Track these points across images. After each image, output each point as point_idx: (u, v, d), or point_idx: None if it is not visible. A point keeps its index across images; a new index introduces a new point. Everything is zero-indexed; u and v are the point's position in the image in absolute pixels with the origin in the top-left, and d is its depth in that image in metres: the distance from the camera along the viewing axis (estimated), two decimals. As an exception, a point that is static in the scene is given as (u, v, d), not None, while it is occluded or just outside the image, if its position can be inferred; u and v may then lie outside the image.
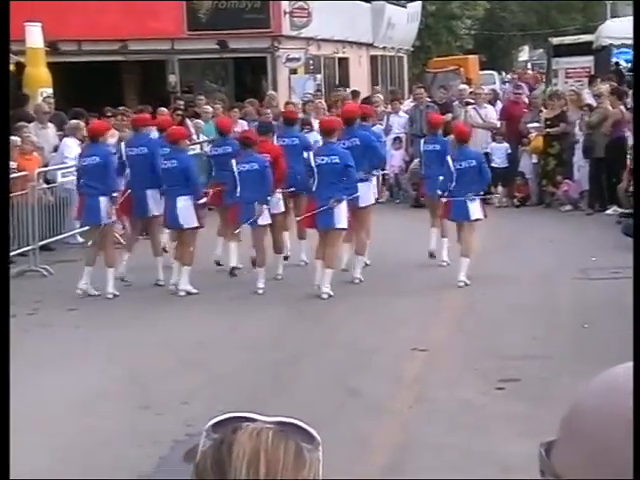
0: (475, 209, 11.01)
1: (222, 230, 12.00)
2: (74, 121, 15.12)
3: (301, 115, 18.10)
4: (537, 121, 16.85)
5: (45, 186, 13.60)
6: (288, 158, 11.50)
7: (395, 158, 17.54)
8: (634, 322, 6.61)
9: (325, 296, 10.38)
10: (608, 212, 15.14)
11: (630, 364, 1.16)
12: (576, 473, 1.11)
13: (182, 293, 10.77)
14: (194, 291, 10.80)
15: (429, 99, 18.88)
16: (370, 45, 29.48)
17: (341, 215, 10.49)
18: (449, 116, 18.31)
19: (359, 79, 27.13)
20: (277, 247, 11.63)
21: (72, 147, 14.51)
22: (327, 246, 10.56)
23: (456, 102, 18.21)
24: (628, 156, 14.82)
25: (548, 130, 16.33)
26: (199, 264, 11.12)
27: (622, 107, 15.75)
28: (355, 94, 21.14)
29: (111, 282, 10.91)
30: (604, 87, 17.48)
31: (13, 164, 13.13)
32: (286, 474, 1.25)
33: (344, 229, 10.64)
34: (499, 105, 18.93)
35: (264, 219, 10.86)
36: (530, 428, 5.97)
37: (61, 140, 15.05)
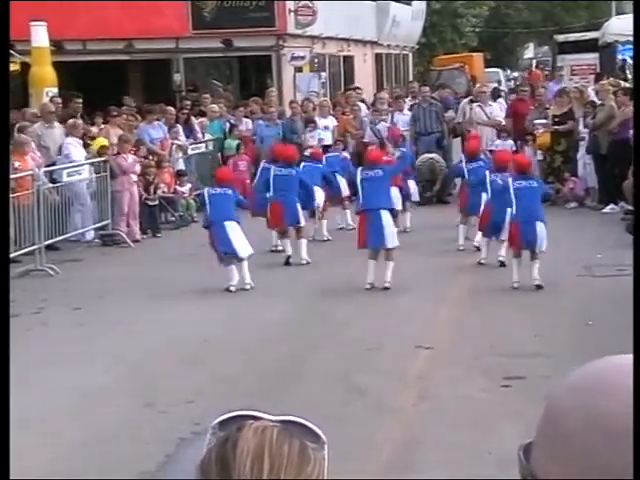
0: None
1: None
2: (72, 120, 15.15)
3: (303, 114, 18.20)
4: (545, 118, 16.83)
5: (50, 185, 13.62)
6: None
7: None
8: (634, 321, 6.61)
9: None
10: (605, 210, 15.20)
11: (606, 360, 1.14)
12: (555, 476, 1.10)
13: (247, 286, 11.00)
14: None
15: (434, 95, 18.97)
16: (375, 43, 29.49)
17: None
18: (451, 114, 18.41)
19: (364, 77, 27.13)
20: None
21: (74, 146, 14.55)
22: None
23: (455, 101, 18.50)
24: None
25: (556, 127, 16.31)
26: (207, 261, 11.14)
27: (631, 107, 15.71)
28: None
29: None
30: (605, 83, 17.46)
31: (17, 164, 13.16)
32: (290, 471, 1.26)
33: None
34: (500, 101, 19.05)
35: None
36: (534, 426, 5.97)
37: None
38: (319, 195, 13.44)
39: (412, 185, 14.75)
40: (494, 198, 11.41)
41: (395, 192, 12.65)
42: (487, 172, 12.12)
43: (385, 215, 10.89)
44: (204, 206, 11.40)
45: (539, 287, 10.43)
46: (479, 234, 12.15)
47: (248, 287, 10.88)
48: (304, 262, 12.12)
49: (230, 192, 11.19)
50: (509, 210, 10.82)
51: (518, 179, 10.93)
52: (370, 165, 11.38)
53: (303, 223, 12.45)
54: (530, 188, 10.76)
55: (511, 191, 10.70)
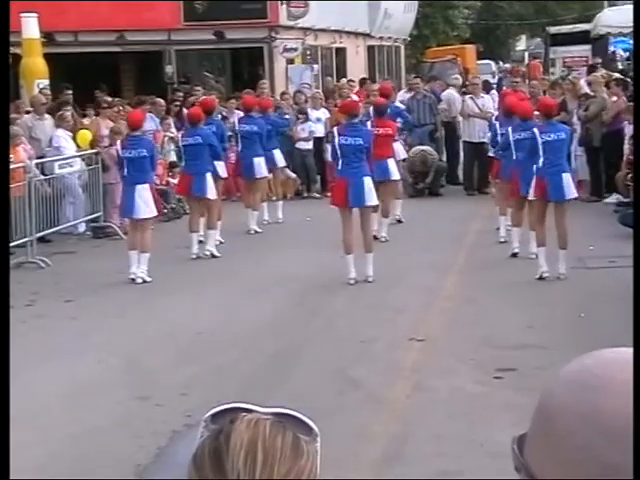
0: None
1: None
2: (60, 112, 15.09)
3: (295, 105, 18.18)
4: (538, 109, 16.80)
5: (42, 177, 13.58)
6: None
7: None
8: (634, 315, 6.61)
9: None
10: (605, 201, 15.19)
11: (599, 354, 1.11)
12: (550, 473, 1.08)
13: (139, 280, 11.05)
14: (148, 279, 11.03)
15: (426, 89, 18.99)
16: (367, 35, 29.46)
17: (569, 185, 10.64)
18: (443, 106, 18.45)
19: (356, 69, 27.09)
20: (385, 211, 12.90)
21: (64, 138, 14.50)
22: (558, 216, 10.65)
23: (446, 92, 18.56)
24: (626, 145, 14.82)
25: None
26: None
27: (624, 98, 15.70)
28: (363, 82, 21.43)
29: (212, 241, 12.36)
30: (598, 75, 17.46)
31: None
32: (283, 463, 1.25)
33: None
34: (493, 93, 19.06)
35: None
36: (527, 417, 5.97)
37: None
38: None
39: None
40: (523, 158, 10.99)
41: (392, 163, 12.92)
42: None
43: (367, 179, 10.56)
44: None
45: (559, 278, 10.41)
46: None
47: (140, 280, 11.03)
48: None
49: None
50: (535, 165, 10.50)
51: (546, 131, 10.55)
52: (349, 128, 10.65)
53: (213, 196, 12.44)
54: (559, 140, 10.52)
55: (539, 145, 10.39)
